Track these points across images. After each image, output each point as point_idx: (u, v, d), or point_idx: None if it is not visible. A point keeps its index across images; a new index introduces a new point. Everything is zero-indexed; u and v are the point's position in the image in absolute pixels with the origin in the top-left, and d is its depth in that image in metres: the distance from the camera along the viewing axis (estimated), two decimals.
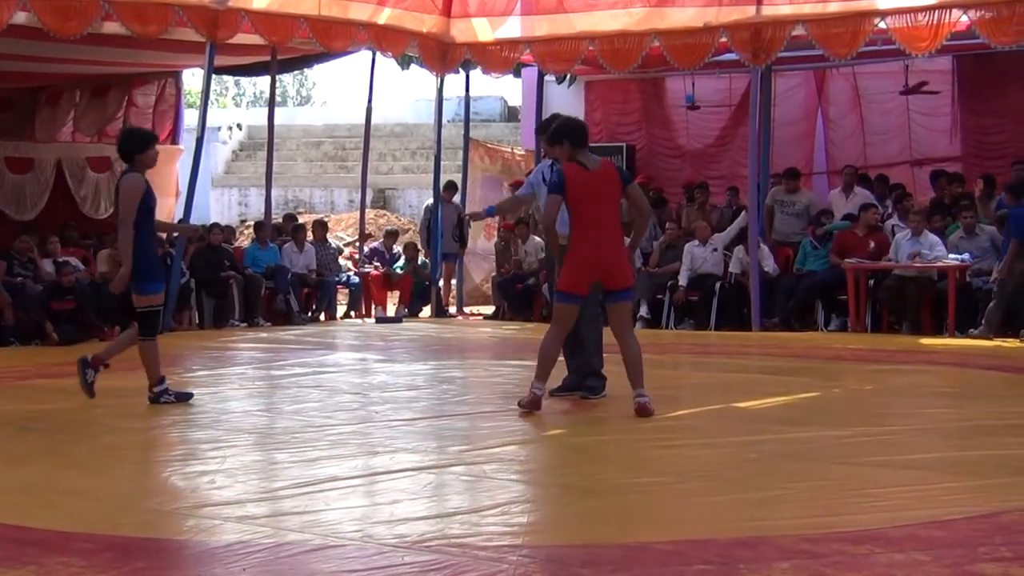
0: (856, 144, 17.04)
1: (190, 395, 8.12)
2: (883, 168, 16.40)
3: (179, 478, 5.63)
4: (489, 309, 17.10)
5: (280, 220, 17.91)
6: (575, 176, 7.32)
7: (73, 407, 7.91)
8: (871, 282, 13.38)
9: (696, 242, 14.50)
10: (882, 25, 13.16)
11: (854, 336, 12.91)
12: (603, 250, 7.32)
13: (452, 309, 17.29)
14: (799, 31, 13.58)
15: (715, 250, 14.40)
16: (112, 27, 12.84)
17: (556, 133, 7.63)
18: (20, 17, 11.95)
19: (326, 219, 20.41)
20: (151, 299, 7.92)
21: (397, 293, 17.29)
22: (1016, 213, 12.35)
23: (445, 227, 16.64)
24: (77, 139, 18.74)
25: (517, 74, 17.84)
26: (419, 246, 17.67)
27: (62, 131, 18.76)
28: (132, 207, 7.75)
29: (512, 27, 15.65)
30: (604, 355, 8.13)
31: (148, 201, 7.87)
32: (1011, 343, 11.72)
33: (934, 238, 13.04)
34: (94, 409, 7.85)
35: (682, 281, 14.33)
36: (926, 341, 12.22)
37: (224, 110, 33.81)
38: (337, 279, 16.78)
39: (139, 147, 7.93)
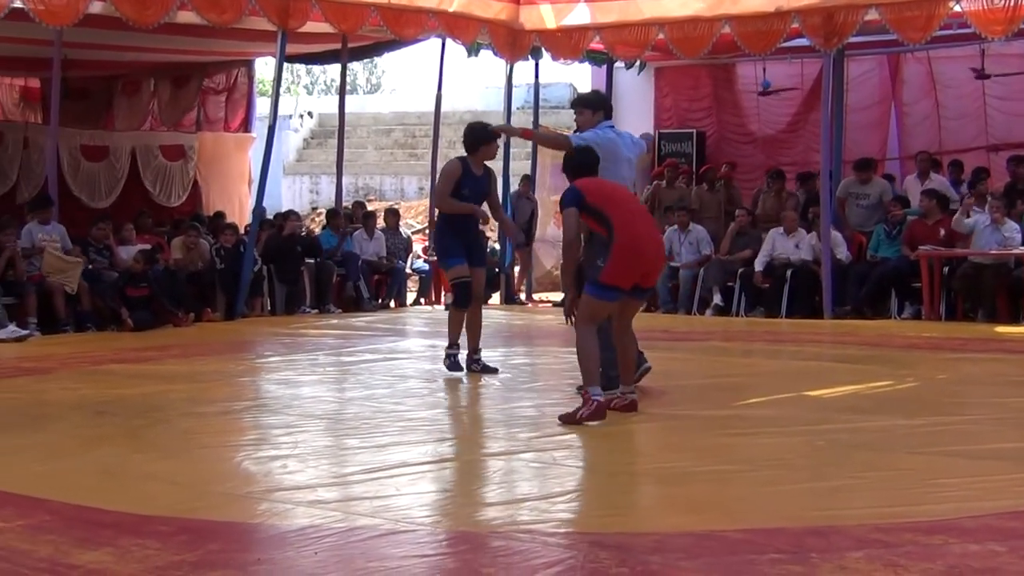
0: (931, 129, 16.75)
1: (461, 368, 8.68)
2: (958, 154, 16.10)
3: (252, 463, 5.70)
4: (558, 296, 17.08)
5: (350, 207, 18.00)
6: (589, 183, 6.93)
7: (148, 392, 8.02)
8: (945, 269, 13.18)
9: (781, 230, 14.35)
10: (957, 8, 12.94)
11: (928, 324, 12.71)
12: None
13: (522, 296, 17.29)
14: (872, 15, 13.37)
15: (798, 246, 14.19)
16: (186, 16, 12.97)
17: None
18: (95, 7, 12.13)
19: (396, 206, 20.50)
20: (451, 273, 8.70)
21: None
22: None
23: (518, 221, 16.60)
24: (153, 127, 18.96)
25: (593, 62, 17.74)
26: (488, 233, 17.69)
27: (143, 121, 18.99)
28: (443, 187, 8.56)
29: (581, 14, 15.60)
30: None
31: (460, 188, 8.49)
32: None
33: (1014, 224, 12.83)
34: (168, 394, 7.97)
35: (758, 266, 14.18)
36: (1002, 329, 12.02)
37: (296, 98, 33.97)
38: (407, 266, 16.86)
39: (482, 140, 8.52)
